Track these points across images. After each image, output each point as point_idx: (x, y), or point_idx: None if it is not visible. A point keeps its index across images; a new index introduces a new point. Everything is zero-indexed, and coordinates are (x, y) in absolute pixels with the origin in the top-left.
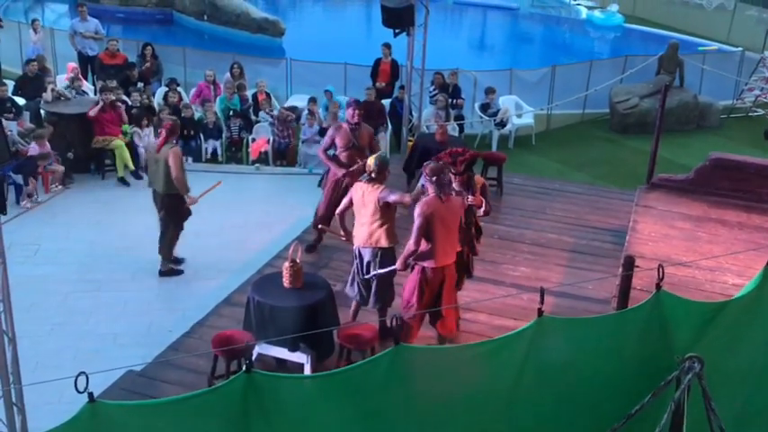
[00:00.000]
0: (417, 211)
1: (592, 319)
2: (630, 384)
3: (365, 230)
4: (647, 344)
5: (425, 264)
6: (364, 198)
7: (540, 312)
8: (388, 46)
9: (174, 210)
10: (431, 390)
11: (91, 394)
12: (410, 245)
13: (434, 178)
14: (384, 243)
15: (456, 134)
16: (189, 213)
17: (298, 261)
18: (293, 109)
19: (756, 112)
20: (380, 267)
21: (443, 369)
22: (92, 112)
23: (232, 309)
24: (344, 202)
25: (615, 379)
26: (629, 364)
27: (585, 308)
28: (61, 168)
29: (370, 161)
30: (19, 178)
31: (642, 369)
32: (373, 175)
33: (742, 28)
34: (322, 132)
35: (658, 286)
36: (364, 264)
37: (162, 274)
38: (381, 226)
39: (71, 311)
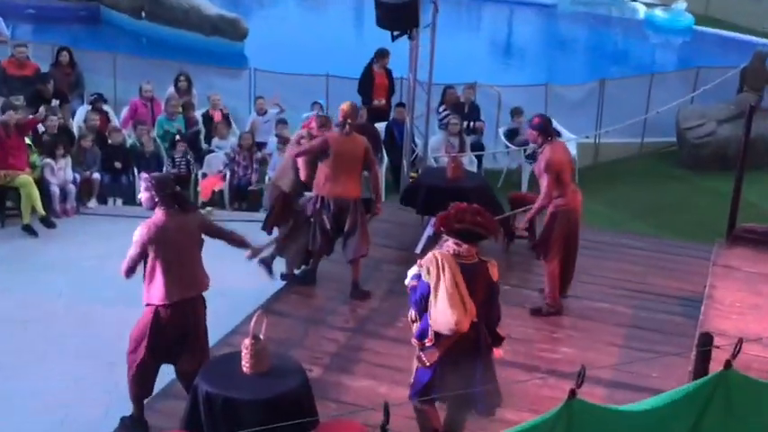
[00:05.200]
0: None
1: (636, 408)
2: None
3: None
4: None
5: (156, 302)
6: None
7: (572, 394)
8: (384, 53)
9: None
10: None
11: None
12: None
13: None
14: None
15: (474, 169)
16: None
17: (262, 338)
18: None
19: None
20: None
21: None
22: None
23: (172, 403)
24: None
25: None
26: None
27: None
28: None
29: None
30: None
31: None
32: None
33: None
34: None
35: (728, 363)
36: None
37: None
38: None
39: None
